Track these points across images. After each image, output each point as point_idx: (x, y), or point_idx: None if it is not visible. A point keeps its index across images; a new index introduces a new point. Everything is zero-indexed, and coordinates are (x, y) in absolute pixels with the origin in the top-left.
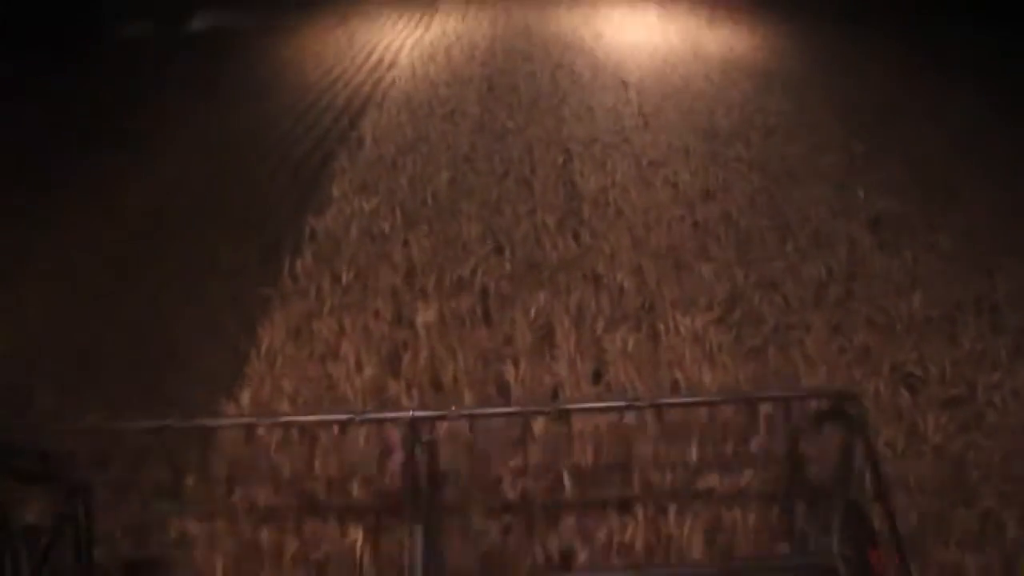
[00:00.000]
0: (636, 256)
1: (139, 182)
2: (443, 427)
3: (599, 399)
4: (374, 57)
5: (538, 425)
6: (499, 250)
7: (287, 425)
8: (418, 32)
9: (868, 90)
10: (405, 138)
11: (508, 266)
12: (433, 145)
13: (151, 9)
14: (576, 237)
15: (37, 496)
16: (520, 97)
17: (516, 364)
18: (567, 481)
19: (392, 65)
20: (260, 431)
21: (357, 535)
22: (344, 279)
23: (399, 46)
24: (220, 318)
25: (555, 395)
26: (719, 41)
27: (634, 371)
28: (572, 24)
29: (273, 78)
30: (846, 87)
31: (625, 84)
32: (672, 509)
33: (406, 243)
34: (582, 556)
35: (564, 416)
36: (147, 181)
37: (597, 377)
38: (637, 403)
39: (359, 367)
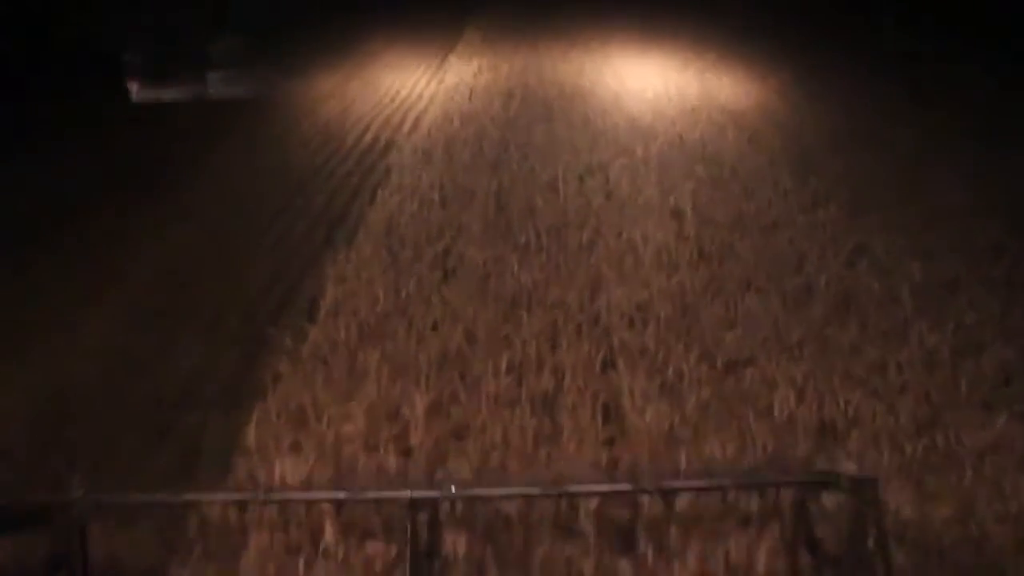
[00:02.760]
0: None
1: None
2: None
3: None
4: (365, 140)
5: None
6: None
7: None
8: (420, 105)
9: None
10: (375, 310)
11: None
12: (414, 325)
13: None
14: (630, 548)
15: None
16: (538, 225)
17: None
18: None
19: (385, 152)
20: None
21: None
22: None
23: (396, 126)
24: None
25: None
26: (788, 122)
27: None
28: (601, 105)
29: (257, 170)
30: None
31: (678, 211)
32: None
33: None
34: None
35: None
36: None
37: None
38: (644, 487)
39: None
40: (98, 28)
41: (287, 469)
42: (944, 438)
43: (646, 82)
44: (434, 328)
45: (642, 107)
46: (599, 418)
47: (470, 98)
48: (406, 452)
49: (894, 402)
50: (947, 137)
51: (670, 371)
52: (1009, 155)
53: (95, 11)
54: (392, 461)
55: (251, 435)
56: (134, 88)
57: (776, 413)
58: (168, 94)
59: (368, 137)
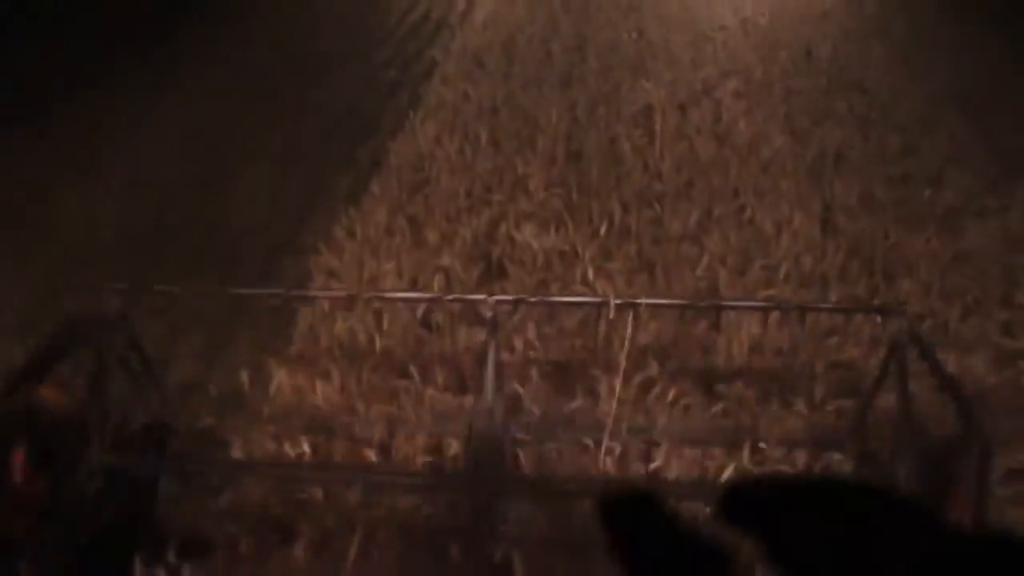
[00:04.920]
0: None
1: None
2: None
3: None
4: (412, 17)
5: None
6: None
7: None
8: None
9: None
10: (368, 361)
11: None
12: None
13: None
14: None
15: None
16: (625, 194)
17: None
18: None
19: (431, 39)
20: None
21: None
22: None
23: (449, 1)
24: None
25: None
26: (944, 40)
27: None
28: None
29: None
30: None
31: (821, 175)
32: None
33: None
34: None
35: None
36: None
37: None
38: (700, 303)
39: None
40: None
41: None
42: None
43: None
44: (462, 389)
45: (756, 4)
46: None
47: None
48: None
49: None
50: None
51: None
52: None
53: None
54: None
55: None
56: None
57: None
58: None
59: (417, 13)
